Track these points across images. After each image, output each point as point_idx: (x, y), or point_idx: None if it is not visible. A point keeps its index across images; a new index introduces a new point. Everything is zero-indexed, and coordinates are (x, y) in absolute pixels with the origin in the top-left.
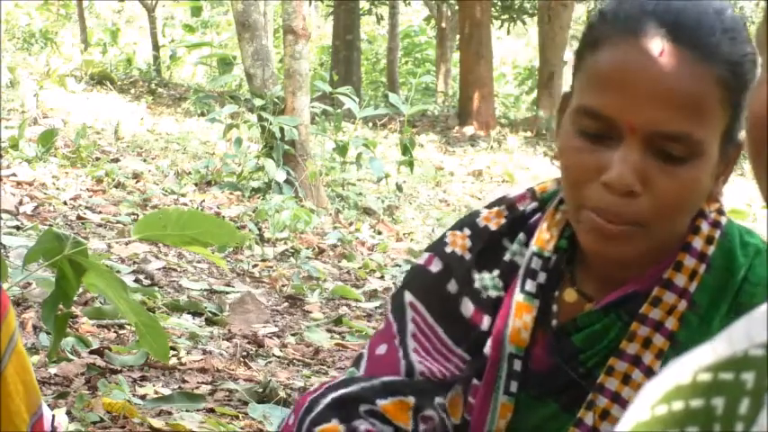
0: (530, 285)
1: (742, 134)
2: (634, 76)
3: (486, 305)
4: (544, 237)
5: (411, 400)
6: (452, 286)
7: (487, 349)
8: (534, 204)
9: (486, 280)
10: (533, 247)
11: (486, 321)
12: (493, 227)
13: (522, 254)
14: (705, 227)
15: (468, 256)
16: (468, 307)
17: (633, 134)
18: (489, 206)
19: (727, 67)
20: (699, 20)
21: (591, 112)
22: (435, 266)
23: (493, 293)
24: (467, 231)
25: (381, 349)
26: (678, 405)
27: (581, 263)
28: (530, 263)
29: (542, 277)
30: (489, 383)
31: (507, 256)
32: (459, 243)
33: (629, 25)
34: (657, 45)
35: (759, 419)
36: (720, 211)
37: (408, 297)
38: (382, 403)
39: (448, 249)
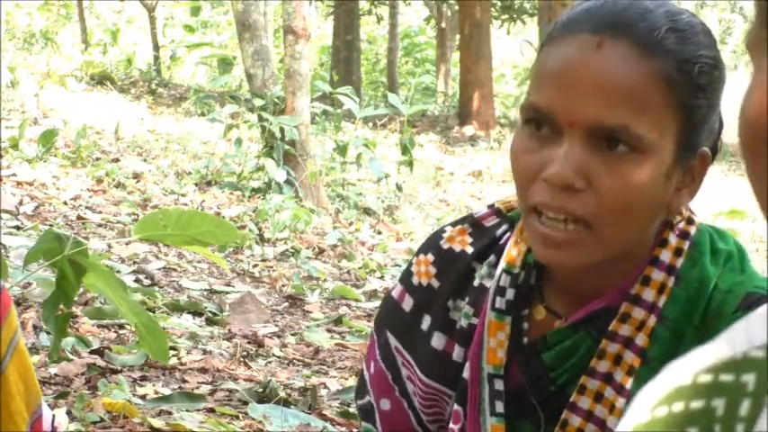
0: (499, 302)
1: (705, 149)
2: (571, 71)
3: (458, 335)
4: (512, 253)
5: None
6: (425, 323)
7: (466, 373)
8: (505, 226)
9: (459, 309)
10: (502, 264)
11: (457, 351)
12: (457, 248)
13: (491, 276)
14: (673, 239)
15: (435, 284)
16: (439, 340)
17: (573, 129)
18: (453, 224)
19: (670, 64)
20: (643, 17)
21: (533, 108)
22: (407, 304)
23: (464, 323)
24: (430, 256)
25: (385, 405)
26: (678, 406)
27: (549, 279)
28: (499, 280)
29: (511, 294)
30: (474, 407)
31: (476, 281)
32: (424, 271)
33: (572, 23)
34: (595, 39)
35: (760, 421)
36: (690, 221)
37: (393, 342)
38: None
39: (415, 281)
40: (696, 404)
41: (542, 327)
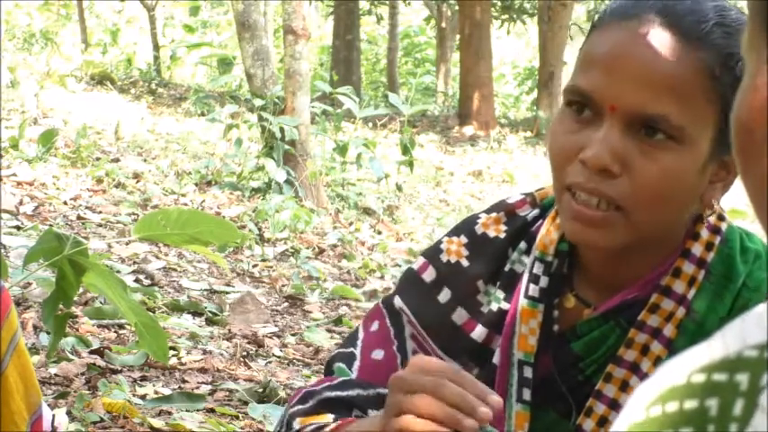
0: (533, 290)
1: None
2: (617, 56)
3: (484, 318)
4: (545, 240)
5: None
6: (444, 296)
7: (496, 358)
8: (536, 212)
9: (489, 293)
10: (535, 251)
11: (480, 332)
12: (492, 234)
13: (521, 262)
14: (705, 233)
15: (465, 263)
16: (461, 315)
17: (614, 114)
18: (488, 211)
19: (715, 58)
20: (692, 9)
21: (576, 90)
22: (428, 276)
23: (494, 306)
24: (463, 239)
25: (378, 354)
26: (672, 406)
27: (581, 268)
28: (532, 268)
29: (544, 281)
30: (501, 392)
31: (507, 266)
32: (455, 250)
33: (623, 10)
34: (644, 28)
35: (753, 421)
36: (721, 217)
37: (399, 303)
38: (375, 413)
39: (443, 258)
40: (690, 404)
41: (572, 315)
